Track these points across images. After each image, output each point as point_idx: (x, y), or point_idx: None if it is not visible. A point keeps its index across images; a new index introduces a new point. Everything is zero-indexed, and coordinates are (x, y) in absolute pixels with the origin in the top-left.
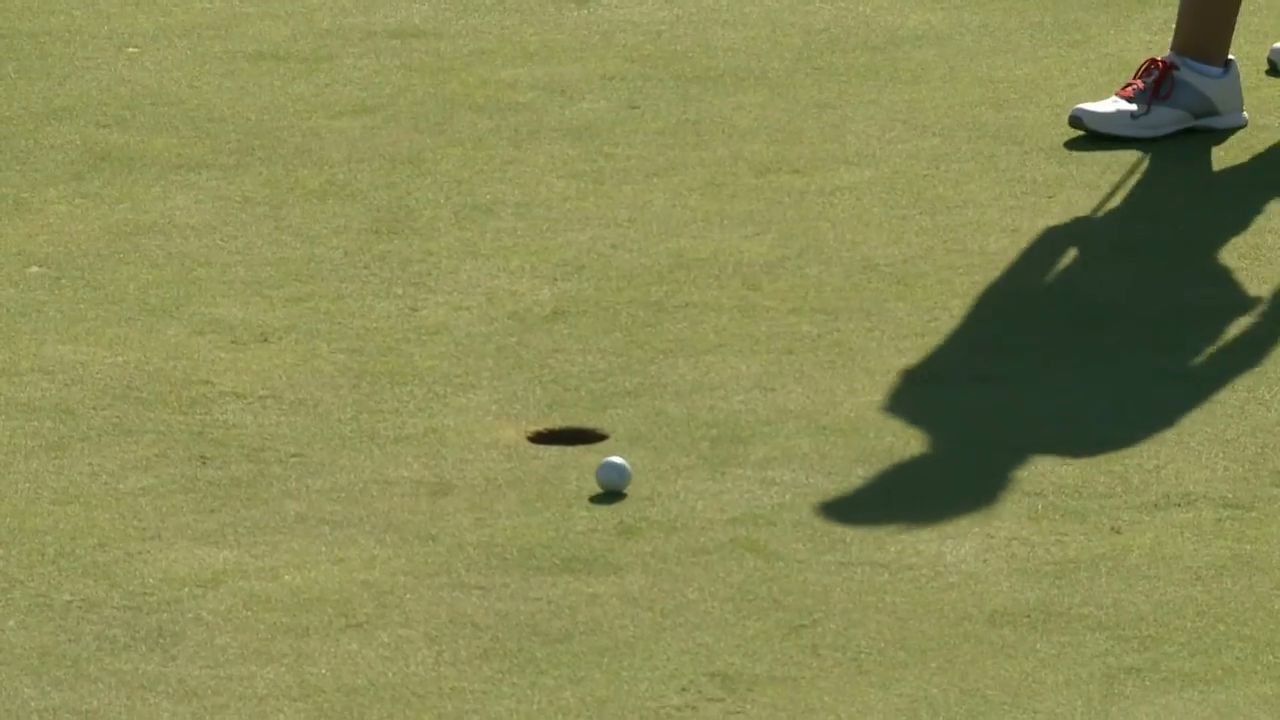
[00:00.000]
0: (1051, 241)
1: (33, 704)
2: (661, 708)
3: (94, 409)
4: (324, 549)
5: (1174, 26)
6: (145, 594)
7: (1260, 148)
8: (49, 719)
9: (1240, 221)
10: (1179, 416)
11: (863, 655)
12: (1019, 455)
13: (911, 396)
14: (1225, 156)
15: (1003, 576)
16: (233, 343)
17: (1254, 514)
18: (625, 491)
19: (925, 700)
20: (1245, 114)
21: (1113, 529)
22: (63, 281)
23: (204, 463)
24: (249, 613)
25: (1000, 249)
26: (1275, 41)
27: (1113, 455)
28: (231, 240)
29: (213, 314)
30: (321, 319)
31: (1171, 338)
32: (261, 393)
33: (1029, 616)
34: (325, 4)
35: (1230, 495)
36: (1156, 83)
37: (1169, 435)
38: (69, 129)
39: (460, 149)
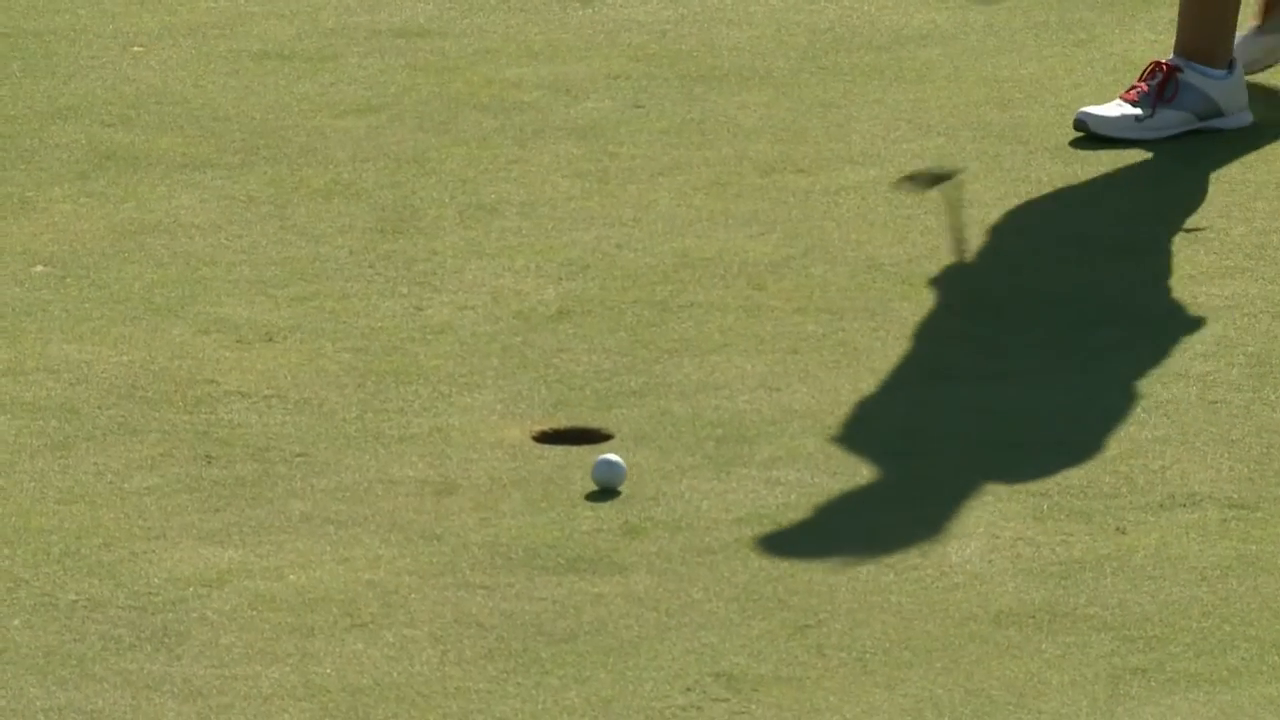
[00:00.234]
0: (1056, 241)
1: (38, 703)
2: (666, 708)
3: (99, 408)
4: (329, 548)
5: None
6: (150, 593)
7: (1265, 147)
8: (54, 718)
9: (1245, 221)
10: (1184, 417)
11: (868, 655)
12: (1024, 455)
13: (916, 396)
14: (1230, 156)
15: (1008, 577)
16: (238, 342)
17: (1259, 514)
18: (620, 489)
19: (930, 700)
20: (1250, 114)
21: (1118, 529)
22: (68, 281)
23: (209, 462)
24: (254, 612)
25: (1005, 248)
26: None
27: (1118, 455)
28: (236, 239)
29: (218, 313)
30: (326, 318)
31: (1177, 337)
32: (266, 392)
33: (1034, 617)
34: (330, 3)
35: (1236, 495)
36: (1161, 85)
37: (1174, 435)
38: (74, 128)
39: (465, 148)
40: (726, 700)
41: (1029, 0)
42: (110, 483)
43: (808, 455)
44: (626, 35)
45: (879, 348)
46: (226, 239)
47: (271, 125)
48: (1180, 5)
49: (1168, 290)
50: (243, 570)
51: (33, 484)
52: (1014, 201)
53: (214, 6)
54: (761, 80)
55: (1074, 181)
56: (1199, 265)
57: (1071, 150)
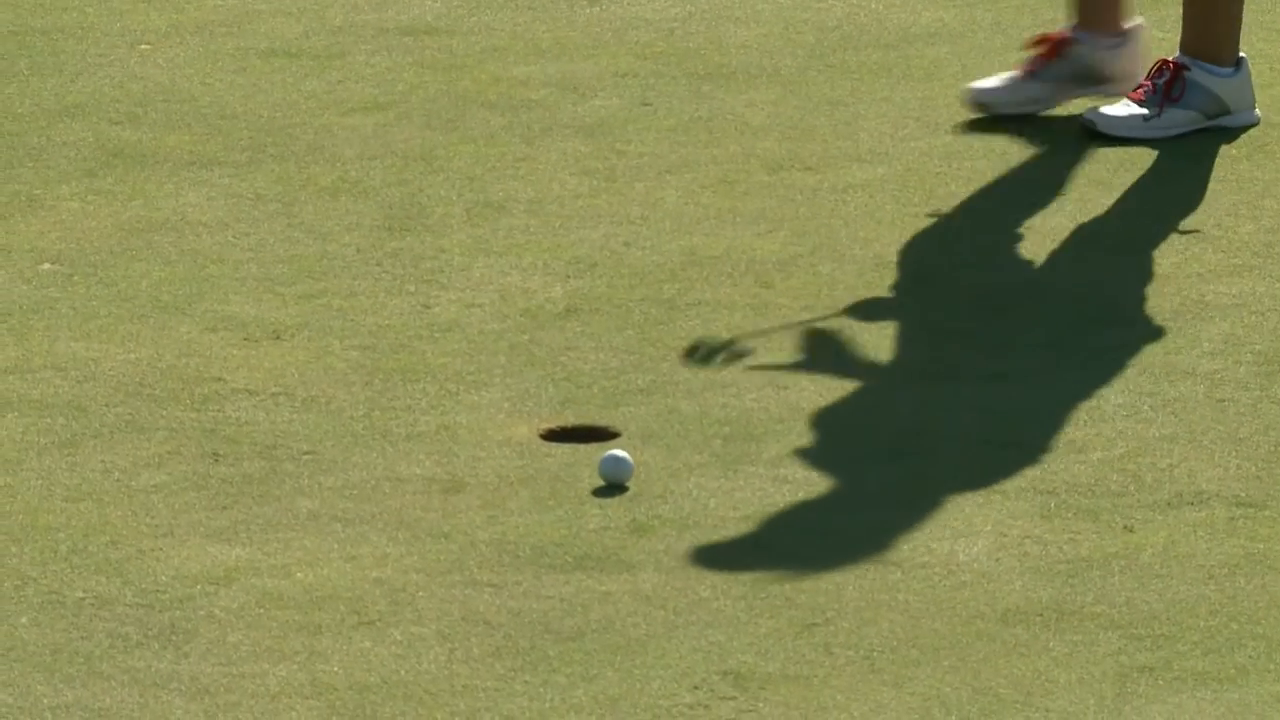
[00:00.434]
0: (1064, 239)
1: (45, 701)
2: (674, 706)
3: (106, 406)
4: (336, 546)
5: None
6: (157, 591)
7: (1272, 145)
8: (61, 716)
9: (1253, 219)
10: (1192, 415)
11: (875, 654)
12: (1031, 454)
13: (924, 394)
14: (1237, 154)
15: (1015, 575)
16: (245, 340)
17: (1267, 512)
18: (627, 485)
19: (938, 698)
20: (1257, 111)
21: (1125, 527)
22: (75, 278)
23: (216, 460)
24: (261, 610)
25: (1013, 246)
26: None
27: (1125, 454)
28: (244, 237)
29: (225, 311)
30: (334, 316)
31: (1184, 335)
32: (274, 390)
33: (1042, 615)
34: (337, 1)
35: (1243, 494)
36: (1168, 85)
37: (1182, 434)
38: (81, 126)
39: (472, 146)
40: (734, 698)
41: None
42: (118, 480)
43: (815, 453)
44: (634, 33)
45: (886, 346)
46: (234, 237)
47: (279, 123)
48: (1184, 3)
49: (1175, 288)
50: (250, 568)
51: (40, 482)
52: (1021, 199)
53: (221, 4)
54: (769, 78)
55: (1081, 179)
56: (1206, 263)
57: (1079, 148)
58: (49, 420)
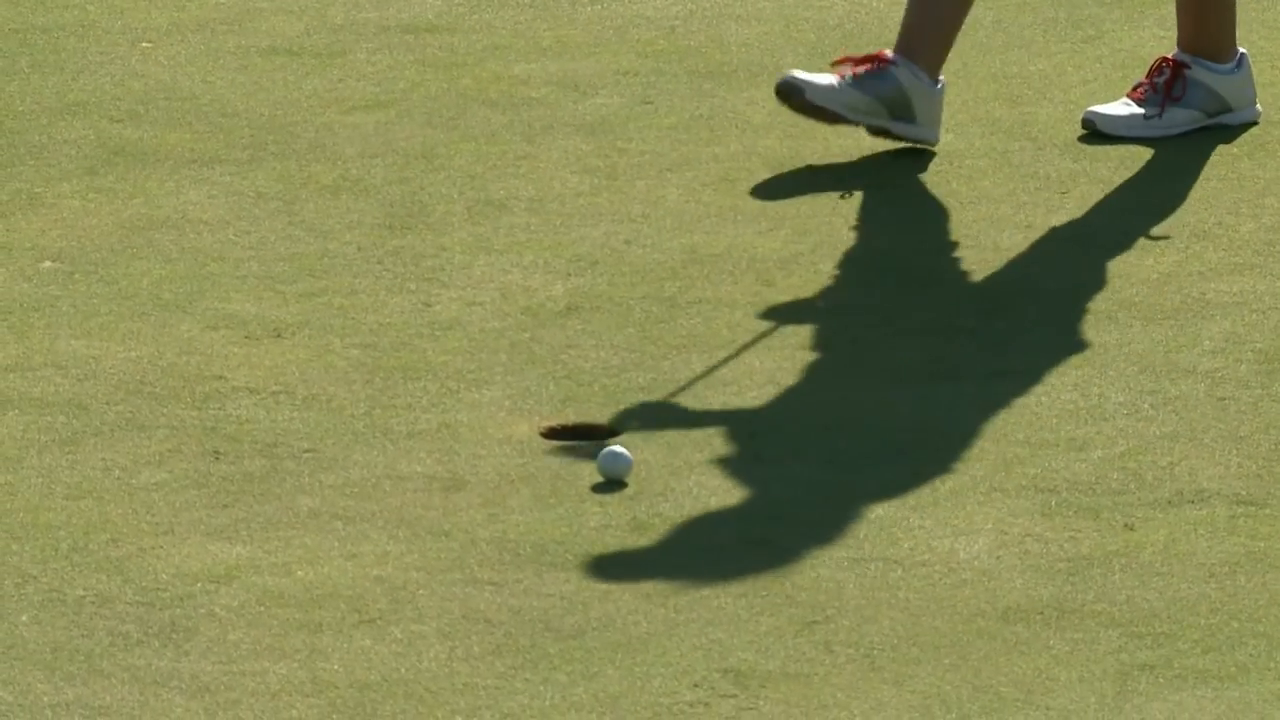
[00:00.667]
0: (1065, 237)
1: (45, 699)
2: (674, 704)
3: (107, 404)
4: (337, 544)
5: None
6: (158, 589)
7: (1273, 144)
8: (62, 714)
9: (1254, 217)
10: (1193, 413)
11: (875, 652)
12: (1032, 451)
13: (925, 392)
14: (1239, 152)
15: (1016, 573)
16: (246, 338)
17: (1268, 511)
18: (626, 480)
19: (938, 697)
20: (1259, 107)
21: (1126, 526)
22: (76, 276)
23: (217, 458)
24: (262, 608)
25: (1014, 245)
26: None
27: (1126, 452)
28: (245, 235)
29: (226, 309)
30: (335, 314)
31: (1185, 333)
32: (274, 388)
33: (1042, 613)
34: None
35: (1244, 492)
36: (1169, 84)
37: (1183, 432)
38: (82, 124)
39: (473, 144)
40: (734, 696)
41: None
42: (118, 478)
43: (815, 452)
44: (635, 31)
45: (887, 344)
46: (235, 235)
47: (280, 121)
48: (1178, 2)
49: (1176, 287)
50: (250, 566)
51: (41, 480)
52: (1023, 198)
53: (223, 2)
54: (770, 76)
55: (1082, 177)
56: (1208, 262)
57: (1080, 146)
58: (50, 418)
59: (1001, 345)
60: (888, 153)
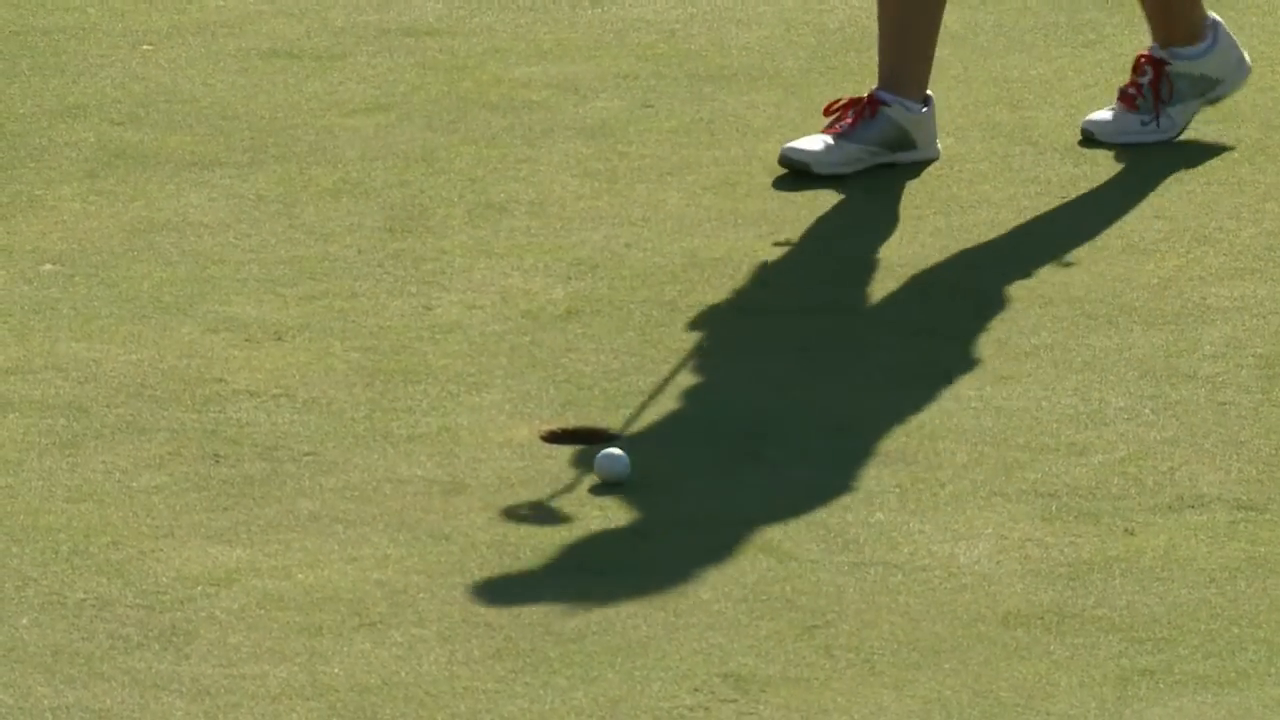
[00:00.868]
0: (1066, 241)
1: (45, 702)
2: (674, 708)
3: (107, 407)
4: (337, 548)
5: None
6: (158, 592)
7: (1274, 148)
8: (62, 717)
9: (1255, 222)
10: (1193, 418)
11: (876, 656)
12: (1032, 456)
13: (925, 397)
14: (1240, 157)
15: (1016, 578)
16: (246, 341)
17: (1268, 516)
18: (624, 482)
19: (938, 701)
20: (1248, 61)
21: (1126, 531)
22: (76, 279)
23: (217, 461)
24: (262, 611)
25: (1014, 249)
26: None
27: (1126, 457)
28: (245, 238)
29: (226, 312)
30: (335, 317)
31: (1185, 338)
32: (275, 391)
33: (1042, 618)
34: (339, 2)
35: (1244, 497)
36: (1154, 86)
37: (1183, 437)
38: (83, 126)
39: (474, 147)
40: (734, 701)
41: (1038, 1)
42: (118, 481)
43: (815, 455)
44: (635, 35)
45: (887, 348)
46: (235, 238)
47: (280, 124)
48: (1140, 2)
49: (1176, 291)
50: (251, 569)
51: (41, 482)
52: (1023, 202)
53: (223, 5)
54: (771, 80)
55: (1083, 182)
56: (1208, 266)
57: (1081, 151)
58: (50, 421)
59: (1001, 350)
60: None
